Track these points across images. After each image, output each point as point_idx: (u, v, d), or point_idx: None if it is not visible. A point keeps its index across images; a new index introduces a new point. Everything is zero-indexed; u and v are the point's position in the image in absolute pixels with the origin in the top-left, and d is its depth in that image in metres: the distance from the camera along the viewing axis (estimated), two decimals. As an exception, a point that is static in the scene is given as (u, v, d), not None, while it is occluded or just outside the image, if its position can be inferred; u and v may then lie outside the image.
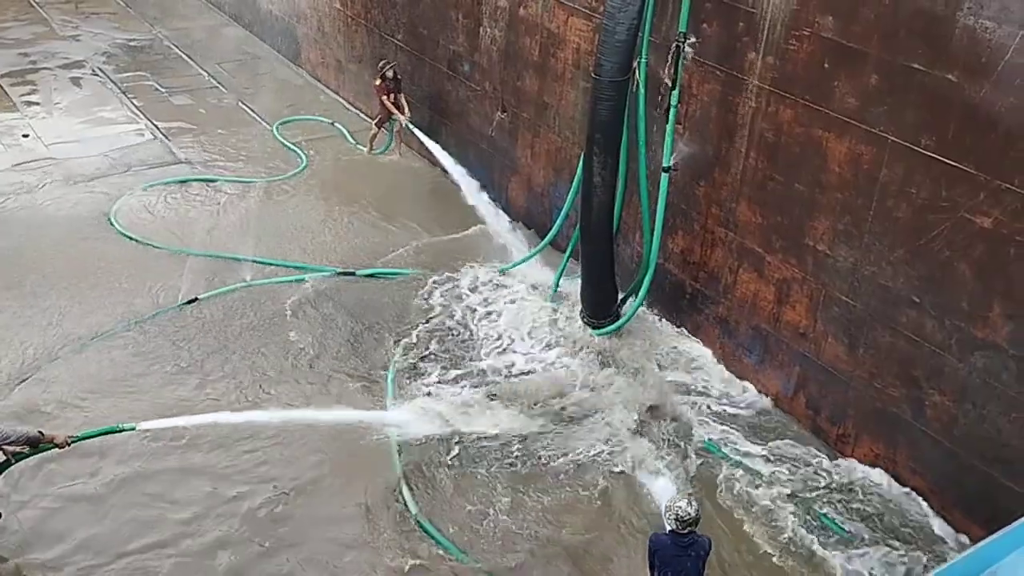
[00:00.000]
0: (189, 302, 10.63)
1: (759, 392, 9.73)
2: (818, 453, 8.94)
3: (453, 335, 10.46)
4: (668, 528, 6.44)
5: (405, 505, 8.22)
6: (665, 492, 8.27)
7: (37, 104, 15.92)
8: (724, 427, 9.22)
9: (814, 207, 8.70)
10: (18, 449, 7.30)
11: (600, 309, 10.42)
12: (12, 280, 11.00)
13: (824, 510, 8.26)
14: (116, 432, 7.95)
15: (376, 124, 14.42)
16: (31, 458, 7.69)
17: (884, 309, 8.33)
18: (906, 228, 7.96)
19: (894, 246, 8.10)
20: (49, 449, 7.45)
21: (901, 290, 8.13)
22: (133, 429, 8.06)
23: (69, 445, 7.53)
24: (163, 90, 16.83)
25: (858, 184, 8.25)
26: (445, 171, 13.35)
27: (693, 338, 10.40)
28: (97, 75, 17.32)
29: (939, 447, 8.15)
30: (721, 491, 8.51)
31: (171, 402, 9.22)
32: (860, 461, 8.87)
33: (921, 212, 7.80)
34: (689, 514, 6.31)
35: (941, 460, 8.17)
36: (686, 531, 6.35)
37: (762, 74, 8.84)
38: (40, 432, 7.33)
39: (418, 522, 8.04)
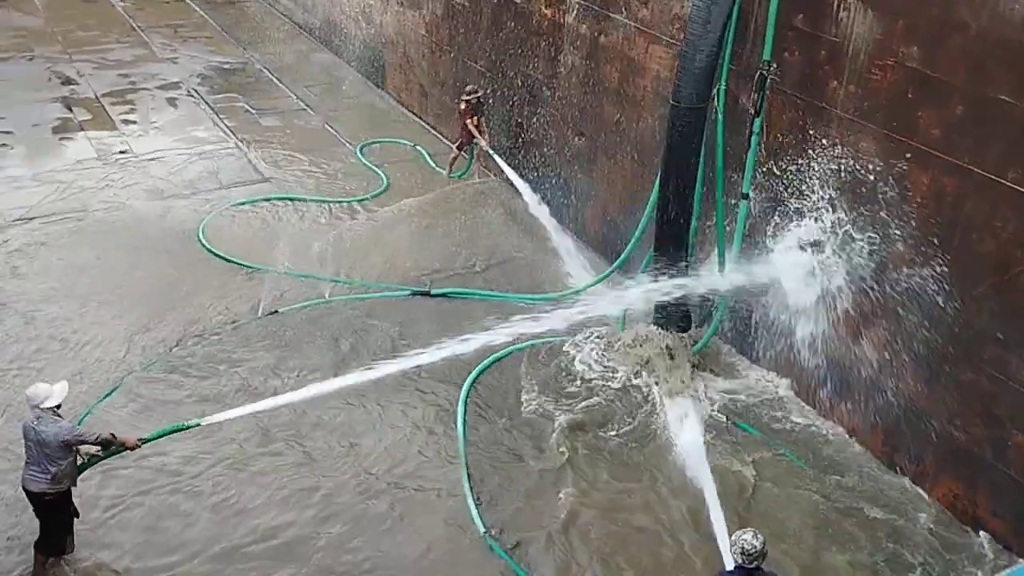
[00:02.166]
0: (270, 314, 10.94)
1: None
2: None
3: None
4: (734, 563, 6.34)
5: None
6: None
7: (135, 123, 16.60)
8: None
9: (894, 239, 8.52)
10: (93, 451, 7.57)
11: (671, 327, 10.38)
12: (100, 291, 11.45)
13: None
14: (183, 429, 8.17)
15: (456, 147, 14.65)
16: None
17: (966, 345, 8.11)
18: (990, 263, 7.75)
19: (977, 281, 7.89)
20: (120, 452, 7.70)
21: (984, 326, 7.90)
22: (198, 425, 8.24)
23: (140, 446, 7.77)
24: (253, 111, 17.40)
25: (941, 217, 8.08)
26: (521, 195, 13.47)
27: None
28: (192, 96, 18.00)
29: (1021, 490, 7.86)
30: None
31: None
32: (939, 501, 8.66)
33: (1006, 246, 7.60)
34: (755, 547, 6.20)
35: (1023, 503, 7.89)
36: (753, 566, 6.25)
37: (844, 104, 8.74)
38: (112, 434, 7.61)
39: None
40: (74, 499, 7.71)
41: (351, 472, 8.87)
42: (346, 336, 10.78)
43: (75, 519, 7.80)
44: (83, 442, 7.40)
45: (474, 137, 14.12)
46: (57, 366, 9.97)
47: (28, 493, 7.48)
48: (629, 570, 8.01)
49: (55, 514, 7.60)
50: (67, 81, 18.29)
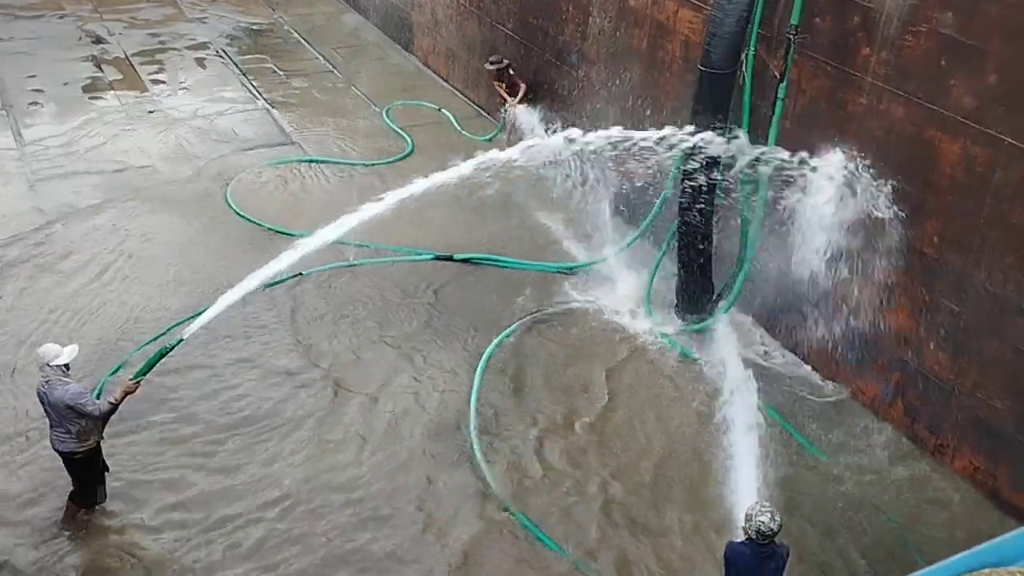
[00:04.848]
0: (293, 276, 10.99)
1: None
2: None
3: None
4: (745, 537, 6.37)
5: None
6: None
7: (164, 83, 16.66)
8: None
9: (923, 209, 8.43)
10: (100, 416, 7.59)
11: (694, 304, 10.37)
12: (123, 252, 11.56)
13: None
14: (170, 351, 8.05)
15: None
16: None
17: (992, 318, 8.03)
18: (1020, 234, 7.66)
19: (1006, 252, 7.80)
20: (123, 399, 7.65)
21: (1011, 298, 7.82)
22: (182, 341, 8.10)
23: (138, 385, 7.75)
24: (281, 73, 17.39)
25: (970, 187, 7.97)
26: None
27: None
28: (220, 57, 18.02)
29: (1044, 463, 7.84)
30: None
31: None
32: (960, 473, 8.64)
33: (1037, 218, 7.50)
34: (772, 529, 6.21)
35: (1045, 477, 7.86)
36: (766, 542, 6.28)
37: (875, 71, 8.60)
38: (110, 401, 7.53)
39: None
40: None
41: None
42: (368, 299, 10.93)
43: (106, 472, 7.99)
44: (85, 411, 7.35)
45: (504, 100, 14.06)
46: (86, 325, 10.17)
47: (59, 453, 7.65)
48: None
49: (86, 469, 7.77)
50: (97, 40, 18.37)
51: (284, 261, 8.63)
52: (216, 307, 8.31)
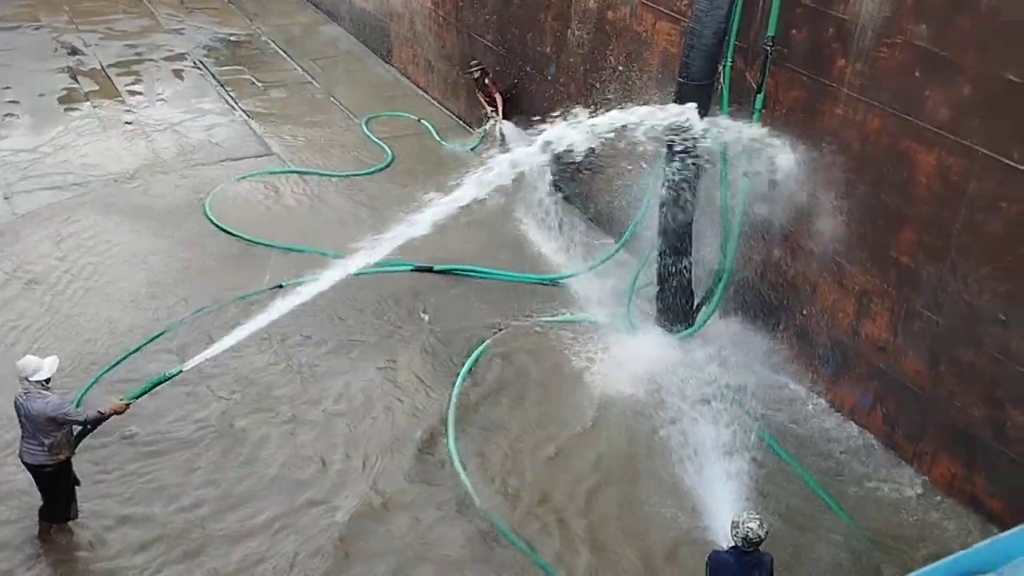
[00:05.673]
0: (274, 288, 10.92)
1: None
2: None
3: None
4: (731, 545, 6.35)
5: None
6: None
7: (140, 94, 16.57)
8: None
9: (899, 219, 8.50)
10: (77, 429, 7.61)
11: (675, 314, 10.38)
12: (102, 264, 11.49)
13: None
14: (165, 380, 8.06)
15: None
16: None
17: (968, 326, 8.09)
18: (995, 243, 7.72)
19: (981, 262, 7.86)
20: (110, 416, 7.67)
21: (986, 307, 7.88)
22: (180, 372, 8.11)
23: (127, 407, 7.75)
24: (259, 84, 17.34)
25: (946, 197, 8.04)
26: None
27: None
28: (198, 68, 17.95)
29: (1020, 470, 7.88)
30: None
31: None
32: (936, 481, 8.68)
33: (1011, 227, 7.56)
34: (759, 536, 6.20)
35: (1021, 483, 7.89)
36: (751, 550, 6.28)
37: (850, 82, 8.68)
38: (99, 411, 7.58)
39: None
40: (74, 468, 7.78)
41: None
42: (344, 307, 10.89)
43: (77, 486, 7.87)
44: (69, 420, 7.36)
45: (484, 109, 14.12)
46: (57, 339, 10.03)
47: (28, 466, 7.55)
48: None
49: (57, 484, 7.68)
50: (73, 51, 18.27)
51: (313, 290, 8.96)
52: (225, 342, 8.43)
